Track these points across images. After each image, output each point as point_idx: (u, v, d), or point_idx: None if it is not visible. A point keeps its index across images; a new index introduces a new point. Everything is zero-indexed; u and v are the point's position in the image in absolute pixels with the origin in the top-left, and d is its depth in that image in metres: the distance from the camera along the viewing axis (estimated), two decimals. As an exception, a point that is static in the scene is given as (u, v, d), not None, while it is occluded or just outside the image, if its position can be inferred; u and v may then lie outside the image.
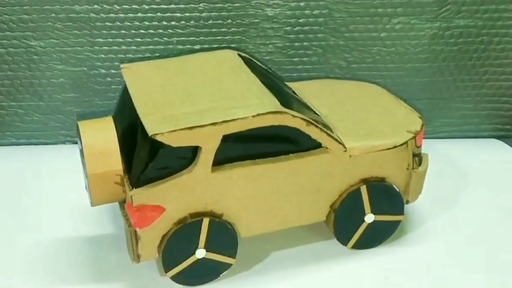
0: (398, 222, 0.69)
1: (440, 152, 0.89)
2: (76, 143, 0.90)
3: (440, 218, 0.75)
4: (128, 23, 0.83)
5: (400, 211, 0.69)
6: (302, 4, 0.83)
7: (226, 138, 0.59)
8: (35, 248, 0.69)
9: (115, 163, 0.61)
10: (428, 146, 0.91)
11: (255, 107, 0.60)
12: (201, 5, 0.82)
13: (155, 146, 0.58)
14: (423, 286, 0.64)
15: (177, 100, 0.61)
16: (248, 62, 0.70)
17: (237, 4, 0.82)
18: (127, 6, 0.82)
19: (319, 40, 0.86)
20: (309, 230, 0.71)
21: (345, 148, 0.64)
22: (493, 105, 0.92)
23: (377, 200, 0.67)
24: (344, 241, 0.69)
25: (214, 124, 0.58)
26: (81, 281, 0.64)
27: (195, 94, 0.62)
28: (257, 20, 0.84)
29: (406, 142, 0.66)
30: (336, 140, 0.63)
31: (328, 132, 0.63)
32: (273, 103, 0.61)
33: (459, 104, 0.91)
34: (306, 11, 0.83)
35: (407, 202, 0.70)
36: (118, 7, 0.82)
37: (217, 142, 0.59)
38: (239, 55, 0.71)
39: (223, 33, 0.84)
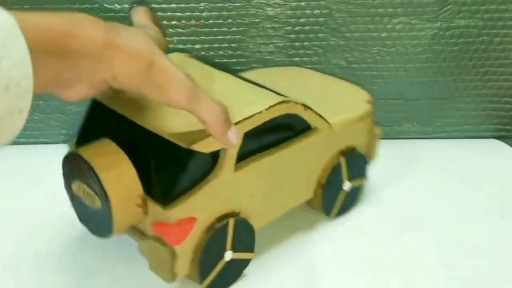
0: (363, 185, 0.76)
1: (440, 152, 0.89)
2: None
3: (441, 218, 0.75)
4: (129, 23, 0.83)
5: (365, 174, 0.75)
6: (302, 3, 0.83)
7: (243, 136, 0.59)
8: (35, 248, 0.69)
9: (135, 184, 0.57)
10: (429, 146, 0.91)
11: (262, 101, 0.60)
12: (201, 4, 0.82)
13: (184, 156, 0.56)
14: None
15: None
16: (203, 61, 0.69)
17: (237, 4, 0.82)
18: (127, 6, 0.82)
19: (320, 40, 0.86)
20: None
21: (330, 125, 0.67)
22: (494, 106, 0.92)
23: (352, 168, 0.72)
24: (329, 212, 0.73)
25: (237, 123, 0.57)
26: (80, 280, 0.65)
27: None
28: (257, 20, 0.84)
29: (370, 111, 0.72)
30: (324, 120, 0.66)
31: (318, 113, 0.65)
32: (271, 94, 0.62)
33: (460, 104, 0.91)
34: (307, 11, 0.83)
35: (368, 162, 0.76)
36: (119, 7, 0.82)
37: (240, 141, 0.58)
38: (190, 56, 0.71)
39: (224, 33, 0.84)
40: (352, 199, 0.75)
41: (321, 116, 0.66)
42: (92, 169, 0.55)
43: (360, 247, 0.69)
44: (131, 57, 0.49)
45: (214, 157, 0.57)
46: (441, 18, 0.85)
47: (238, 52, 0.86)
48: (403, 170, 0.84)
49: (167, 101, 0.51)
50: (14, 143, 0.90)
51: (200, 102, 0.52)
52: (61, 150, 0.88)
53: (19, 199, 0.77)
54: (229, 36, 0.85)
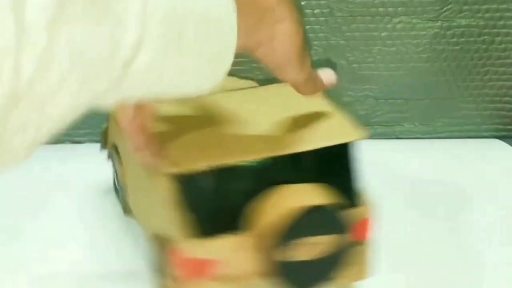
0: None
1: (441, 153, 0.89)
2: (76, 142, 0.89)
3: (441, 218, 0.74)
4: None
5: None
6: (303, 3, 0.83)
7: None
8: (34, 249, 0.69)
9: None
10: (430, 146, 0.91)
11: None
12: (201, 4, 0.82)
13: (347, 151, 0.58)
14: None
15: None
16: None
17: (237, 3, 0.82)
18: (127, 5, 0.81)
19: (320, 40, 0.85)
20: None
21: None
22: (495, 105, 0.92)
23: None
24: None
25: None
26: (80, 280, 0.64)
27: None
28: (257, 19, 0.84)
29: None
30: None
31: None
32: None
33: (461, 104, 0.91)
34: (307, 10, 0.83)
35: None
36: (118, 6, 0.82)
37: None
38: None
39: (224, 32, 0.84)
40: None
41: None
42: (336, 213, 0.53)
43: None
44: (294, 23, 0.45)
45: None
46: (442, 17, 0.85)
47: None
48: (404, 170, 0.84)
49: (298, 71, 0.49)
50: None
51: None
52: (60, 151, 0.88)
53: (17, 201, 0.77)
54: (229, 36, 0.84)
